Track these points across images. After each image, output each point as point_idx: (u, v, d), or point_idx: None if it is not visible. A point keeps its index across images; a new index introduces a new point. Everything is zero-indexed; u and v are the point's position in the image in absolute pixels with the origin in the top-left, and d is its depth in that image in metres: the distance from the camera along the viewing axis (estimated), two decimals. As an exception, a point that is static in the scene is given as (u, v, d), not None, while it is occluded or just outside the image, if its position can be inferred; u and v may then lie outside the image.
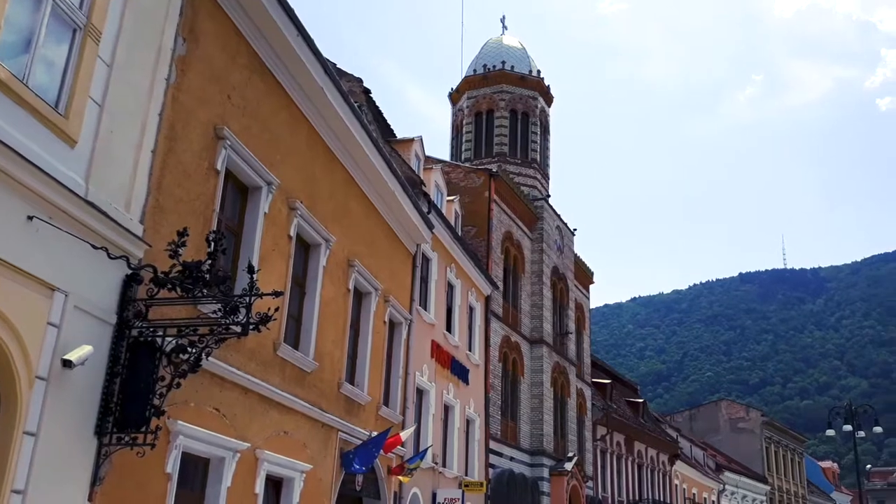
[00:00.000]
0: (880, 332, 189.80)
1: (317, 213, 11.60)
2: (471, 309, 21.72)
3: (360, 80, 17.59)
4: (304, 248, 11.74)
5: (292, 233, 10.88)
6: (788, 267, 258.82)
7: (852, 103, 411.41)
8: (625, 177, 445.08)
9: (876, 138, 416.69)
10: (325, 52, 11.22)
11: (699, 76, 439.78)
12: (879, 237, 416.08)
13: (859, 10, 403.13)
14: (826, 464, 74.78)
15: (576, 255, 32.50)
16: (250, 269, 7.28)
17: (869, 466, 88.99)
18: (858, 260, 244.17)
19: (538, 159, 31.07)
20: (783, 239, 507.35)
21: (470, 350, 21.30)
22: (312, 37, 10.58)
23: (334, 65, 13.96)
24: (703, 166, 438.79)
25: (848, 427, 28.32)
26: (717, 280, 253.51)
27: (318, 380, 11.63)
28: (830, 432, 29.95)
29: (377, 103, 19.05)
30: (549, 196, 30.74)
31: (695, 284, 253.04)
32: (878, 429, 29.73)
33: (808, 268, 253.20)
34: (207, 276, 7.20)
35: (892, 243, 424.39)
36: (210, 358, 7.69)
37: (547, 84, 32.36)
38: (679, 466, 40.90)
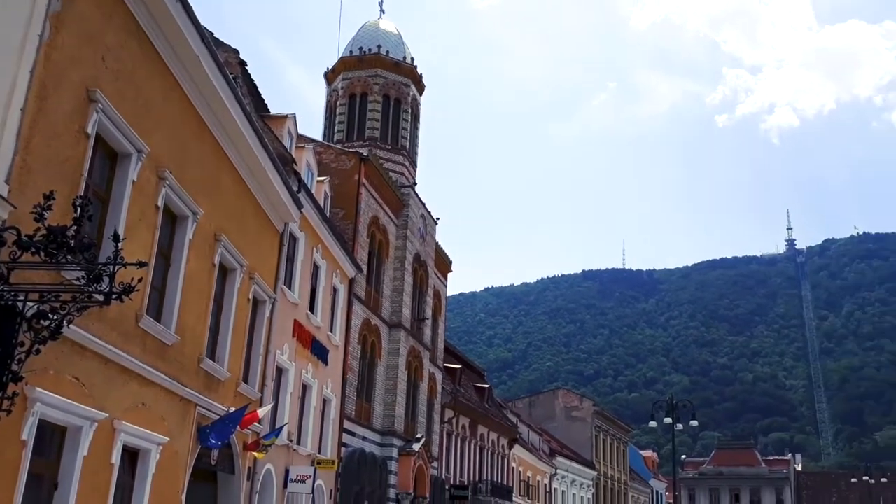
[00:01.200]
0: (703, 334, 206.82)
1: (186, 185, 11.40)
2: (334, 290, 21.85)
3: (236, 52, 17.22)
4: (171, 220, 11.51)
5: (160, 203, 10.68)
6: (627, 267, 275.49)
7: (694, 117, 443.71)
8: (487, 171, 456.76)
9: (712, 152, 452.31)
10: (204, 22, 11.04)
11: (562, 79, 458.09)
12: (708, 245, 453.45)
13: (707, 29, 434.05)
14: (647, 453, 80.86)
15: (437, 243, 33.31)
16: (115, 238, 7.22)
17: (684, 457, 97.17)
18: (689, 265, 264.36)
19: (407, 147, 31.50)
20: (624, 241, 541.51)
21: (331, 331, 21.45)
22: (191, 4, 10.41)
23: (212, 34, 13.61)
24: (559, 167, 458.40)
25: (668, 420, 30.67)
26: (563, 276, 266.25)
27: (178, 353, 11.48)
28: (653, 424, 32.24)
29: (253, 77, 18.72)
30: (415, 184, 31.28)
31: (542, 278, 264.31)
32: (694, 422, 32.55)
33: (645, 269, 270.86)
34: (72, 242, 7.05)
35: (718, 251, 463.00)
36: (71, 326, 7.55)
37: (420, 72, 32.82)
38: (517, 450, 42.96)
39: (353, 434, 23.52)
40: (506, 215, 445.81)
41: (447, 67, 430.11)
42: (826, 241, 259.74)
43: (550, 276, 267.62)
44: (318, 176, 22.31)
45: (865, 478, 58.94)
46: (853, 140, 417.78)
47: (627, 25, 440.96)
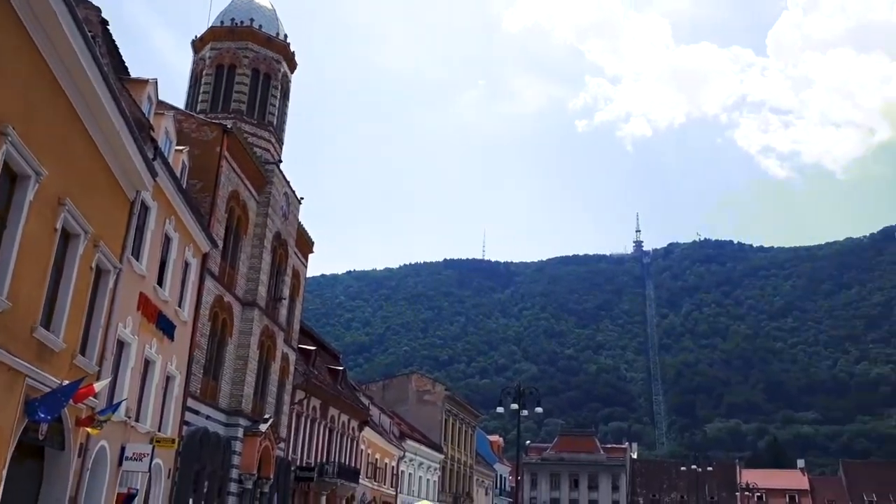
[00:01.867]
0: (553, 325, 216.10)
1: (30, 144, 10.77)
2: (186, 264, 21.18)
3: (98, 10, 16.29)
4: (11, 179, 10.84)
5: (-1, 159, 10.05)
6: (486, 258, 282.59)
7: (557, 121, 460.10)
8: (355, 156, 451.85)
9: (571, 155, 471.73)
10: (64, -26, 10.45)
11: (434, 72, 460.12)
12: (563, 242, 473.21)
13: (573, 38, 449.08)
14: (494, 437, 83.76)
15: (300, 223, 32.93)
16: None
17: (529, 442, 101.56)
18: (544, 259, 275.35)
19: (275, 123, 30.87)
20: (484, 233, 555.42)
21: (180, 306, 20.80)
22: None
23: (70, -14, 12.85)
24: (426, 158, 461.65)
25: (515, 406, 32.01)
26: (425, 263, 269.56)
27: (9, 320, 10.85)
28: (500, 409, 33.50)
29: (114, 37, 17.75)
30: (280, 161, 30.75)
31: (405, 265, 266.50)
32: (539, 409, 34.16)
33: (503, 261, 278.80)
34: None
35: (571, 248, 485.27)
36: None
37: (292, 50, 32.23)
38: (367, 433, 43.35)
39: (197, 413, 22.96)
40: (372, 201, 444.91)
41: (322, 49, 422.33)
42: (670, 244, 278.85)
43: (413, 262, 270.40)
44: (177, 145, 21.51)
45: (694, 466, 63.82)
46: (699, 153, 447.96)
47: (500, 27, 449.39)
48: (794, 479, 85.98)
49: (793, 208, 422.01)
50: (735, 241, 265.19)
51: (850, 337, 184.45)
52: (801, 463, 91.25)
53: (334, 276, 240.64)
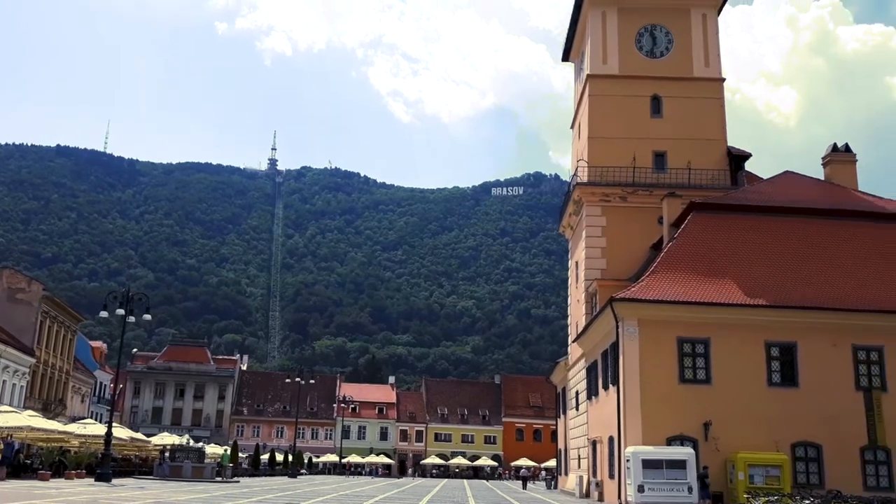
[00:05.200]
0: (177, 232, 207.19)
1: None
2: None
3: None
4: None
5: None
6: (108, 152, 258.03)
7: (196, 17, 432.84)
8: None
9: (209, 59, 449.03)
10: None
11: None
12: (194, 147, 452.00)
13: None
14: (97, 343, 78.40)
15: None
16: None
17: (135, 350, 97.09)
18: (173, 163, 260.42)
19: None
20: (109, 123, 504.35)
21: None
22: None
23: None
24: (44, 26, 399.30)
25: (121, 311, 30.33)
26: (33, 146, 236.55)
27: None
28: (104, 314, 31.32)
29: None
30: None
31: (7, 144, 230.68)
32: (148, 316, 32.77)
33: (127, 158, 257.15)
34: None
35: (203, 156, 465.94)
36: None
37: None
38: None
39: None
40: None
41: None
42: (304, 167, 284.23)
43: (17, 143, 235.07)
44: None
45: (298, 379, 67.40)
46: (335, 83, 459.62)
47: None
48: (384, 393, 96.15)
49: (413, 152, 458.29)
50: (362, 175, 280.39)
51: (446, 273, 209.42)
52: (391, 379, 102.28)
53: None
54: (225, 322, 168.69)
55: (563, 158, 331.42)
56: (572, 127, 43.29)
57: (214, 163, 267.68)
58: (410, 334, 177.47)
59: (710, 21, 38.64)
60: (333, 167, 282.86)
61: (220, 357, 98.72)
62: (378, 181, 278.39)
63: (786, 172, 35.06)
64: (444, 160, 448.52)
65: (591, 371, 33.30)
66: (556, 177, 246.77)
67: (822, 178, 35.05)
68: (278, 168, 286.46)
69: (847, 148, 35.24)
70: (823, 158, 35.57)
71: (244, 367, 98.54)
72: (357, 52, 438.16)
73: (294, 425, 76.44)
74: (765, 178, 36.08)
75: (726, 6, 39.56)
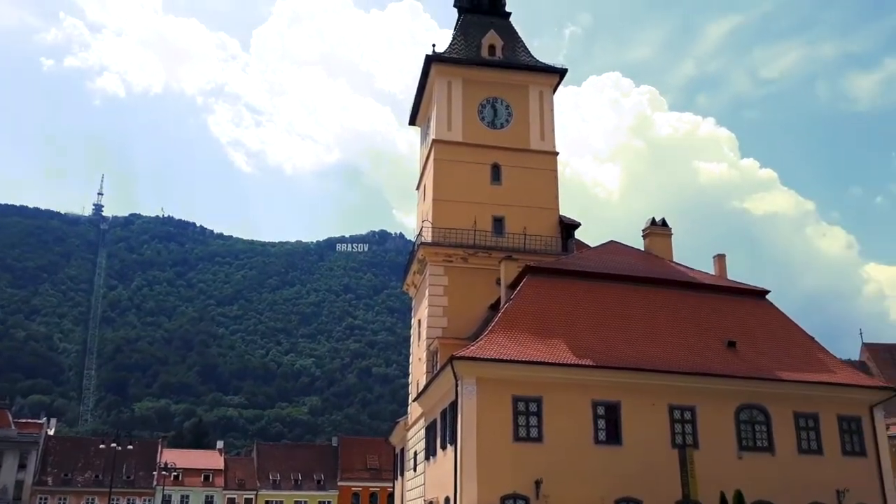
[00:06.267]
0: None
1: None
2: None
3: None
4: None
5: None
6: None
7: (21, 51, 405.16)
8: None
9: (33, 95, 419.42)
10: None
11: None
12: (8, 188, 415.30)
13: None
14: None
15: None
16: None
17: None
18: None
19: None
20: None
21: None
22: None
23: None
24: None
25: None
26: None
27: None
28: None
29: None
30: None
31: None
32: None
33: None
34: None
35: (17, 197, 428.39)
36: None
37: None
38: None
39: None
40: None
41: None
42: (132, 214, 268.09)
43: None
44: None
45: (114, 444, 62.09)
46: (172, 128, 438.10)
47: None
48: (211, 458, 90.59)
49: (254, 204, 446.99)
50: (198, 224, 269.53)
51: (285, 330, 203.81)
52: (220, 444, 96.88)
53: None
54: (31, 381, 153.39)
55: (407, 217, 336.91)
56: (418, 188, 44.30)
57: (31, 206, 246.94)
58: (243, 395, 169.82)
59: (546, 99, 41.36)
60: (166, 215, 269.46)
61: (24, 420, 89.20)
62: (215, 232, 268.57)
63: (611, 242, 37.60)
64: (287, 213, 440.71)
65: (430, 430, 33.40)
66: (401, 235, 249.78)
67: (642, 248, 37.88)
68: (104, 214, 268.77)
69: (664, 222, 38.42)
70: (643, 230, 38.50)
71: (51, 432, 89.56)
72: (197, 98, 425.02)
73: (108, 496, 70.23)
74: (592, 245, 38.56)
75: (560, 86, 42.57)
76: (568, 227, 38.96)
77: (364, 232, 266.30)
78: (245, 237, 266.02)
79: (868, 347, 77.00)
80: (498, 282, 33.94)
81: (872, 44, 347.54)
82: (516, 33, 43.86)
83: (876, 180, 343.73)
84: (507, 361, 27.48)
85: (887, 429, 32.33)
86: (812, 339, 33.27)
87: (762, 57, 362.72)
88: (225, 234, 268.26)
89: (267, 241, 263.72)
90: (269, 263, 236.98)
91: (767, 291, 34.55)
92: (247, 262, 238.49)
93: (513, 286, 32.03)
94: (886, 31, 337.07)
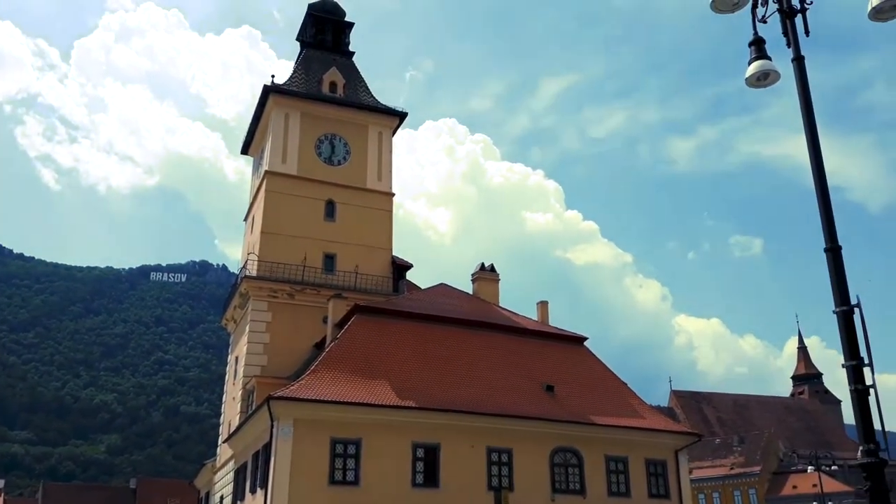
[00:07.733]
0: None
1: None
2: None
3: None
4: None
5: None
6: None
7: None
8: None
9: None
10: None
11: None
12: None
13: None
14: None
15: None
16: None
17: None
18: None
19: None
20: None
21: None
22: None
23: None
24: None
25: None
26: None
27: None
28: None
29: None
30: None
31: None
32: None
33: None
34: None
35: None
36: None
37: None
38: None
39: None
40: None
41: None
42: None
43: None
44: None
45: None
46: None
47: None
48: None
49: (61, 225, 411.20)
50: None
51: (86, 361, 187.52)
52: (1, 483, 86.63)
53: None
54: None
55: (231, 249, 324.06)
56: (246, 219, 42.74)
57: None
58: (31, 431, 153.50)
59: (385, 139, 41.71)
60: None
61: None
62: (14, 251, 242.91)
63: (441, 284, 38.16)
64: (98, 237, 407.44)
65: (239, 473, 31.67)
66: (224, 267, 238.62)
67: (471, 291, 38.78)
68: None
69: (493, 268, 39.63)
70: (473, 275, 39.48)
71: None
72: (5, 107, 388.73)
73: None
74: (423, 287, 38.92)
75: (399, 129, 43.12)
76: (400, 267, 39.12)
77: (183, 261, 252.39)
78: (48, 259, 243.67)
79: (676, 394, 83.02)
80: (325, 320, 33.25)
81: (690, 112, 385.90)
82: (358, 72, 44.11)
83: (689, 237, 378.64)
84: (326, 402, 26.72)
85: (690, 472, 34.75)
86: (625, 385, 35.33)
87: (591, 117, 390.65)
88: (26, 254, 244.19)
89: (73, 264, 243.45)
90: (73, 289, 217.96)
91: (585, 338, 36.39)
92: (48, 285, 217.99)
93: (340, 325, 31.47)
94: (702, 100, 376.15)
